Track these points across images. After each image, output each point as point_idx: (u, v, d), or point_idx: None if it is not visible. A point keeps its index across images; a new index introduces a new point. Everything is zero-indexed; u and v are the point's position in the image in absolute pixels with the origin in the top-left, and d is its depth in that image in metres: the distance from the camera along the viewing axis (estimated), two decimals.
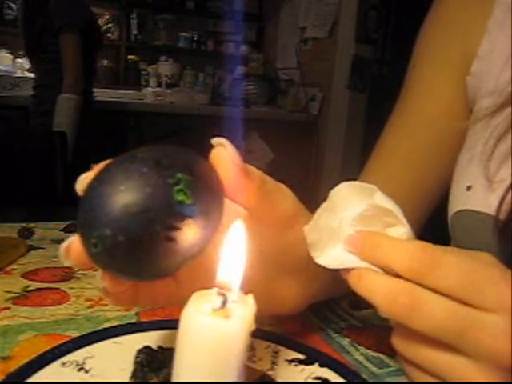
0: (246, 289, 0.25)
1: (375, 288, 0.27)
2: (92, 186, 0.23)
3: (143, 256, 0.22)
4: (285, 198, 0.32)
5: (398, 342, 0.29)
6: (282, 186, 0.31)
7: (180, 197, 0.22)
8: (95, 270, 0.26)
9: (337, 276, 0.33)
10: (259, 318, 0.24)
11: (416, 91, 0.54)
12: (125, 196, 0.22)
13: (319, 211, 0.31)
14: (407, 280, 0.27)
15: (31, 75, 2.55)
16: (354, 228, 0.30)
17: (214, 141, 0.27)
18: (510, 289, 0.26)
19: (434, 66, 0.53)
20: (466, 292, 0.26)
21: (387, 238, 0.29)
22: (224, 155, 0.26)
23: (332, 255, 0.30)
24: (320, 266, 0.30)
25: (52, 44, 1.97)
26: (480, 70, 0.48)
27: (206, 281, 0.27)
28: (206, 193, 0.24)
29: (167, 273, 0.24)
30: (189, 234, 0.23)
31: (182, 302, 0.28)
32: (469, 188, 0.46)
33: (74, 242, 0.25)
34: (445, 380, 0.27)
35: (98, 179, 0.23)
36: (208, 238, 0.24)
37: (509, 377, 0.26)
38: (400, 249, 0.27)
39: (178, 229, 0.22)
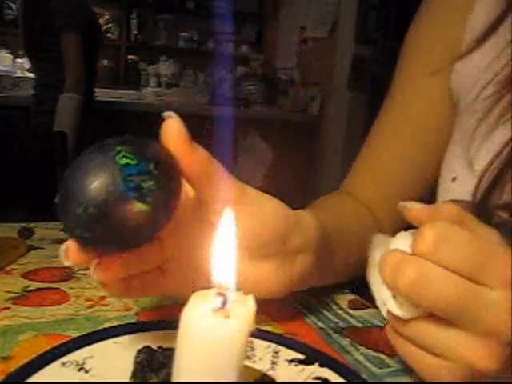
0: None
1: (384, 260, 0.28)
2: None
3: (113, 221, 0.25)
4: (228, 178, 0.32)
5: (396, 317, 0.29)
6: (224, 169, 0.32)
7: (122, 161, 0.25)
8: None
9: (322, 262, 0.38)
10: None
11: (404, 90, 0.56)
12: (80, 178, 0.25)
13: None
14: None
15: (31, 75, 2.55)
16: None
17: (165, 114, 0.29)
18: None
19: (420, 65, 0.55)
20: (472, 269, 0.26)
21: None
22: (172, 128, 0.28)
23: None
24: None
25: (53, 43, 1.97)
26: (463, 66, 0.49)
27: (189, 270, 0.33)
28: (152, 158, 0.26)
29: (138, 238, 0.27)
30: (145, 193, 0.25)
31: (170, 292, 0.35)
32: (454, 179, 0.47)
33: (71, 242, 0.27)
34: (442, 355, 0.27)
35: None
36: (168, 203, 0.27)
37: (509, 351, 0.26)
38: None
39: (133, 189, 0.25)
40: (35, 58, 2.10)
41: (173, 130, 0.28)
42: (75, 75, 1.98)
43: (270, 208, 0.34)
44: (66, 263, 0.28)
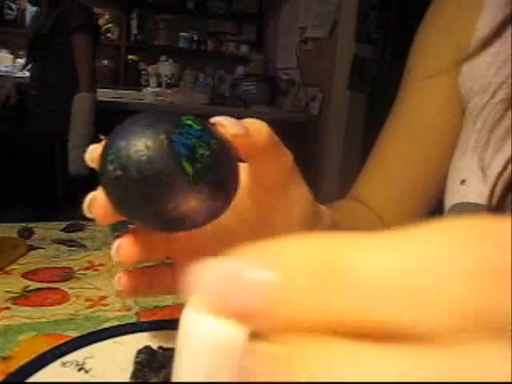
0: None
1: None
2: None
3: (152, 168, 0.22)
4: (285, 152, 0.31)
5: None
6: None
7: (188, 121, 0.23)
8: (95, 270, 0.27)
9: None
10: None
11: (412, 93, 0.56)
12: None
13: None
14: None
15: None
16: None
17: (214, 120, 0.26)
18: None
19: (429, 68, 0.54)
20: None
21: None
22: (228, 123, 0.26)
23: None
24: None
25: (62, 44, 2.02)
26: (471, 68, 0.49)
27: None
28: (217, 136, 0.24)
29: (185, 218, 0.23)
30: (196, 157, 0.22)
31: (176, 292, 0.31)
32: (463, 182, 0.47)
33: (98, 193, 0.25)
34: None
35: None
36: (216, 191, 0.23)
37: None
38: None
39: (185, 146, 0.22)
40: (41, 59, 2.11)
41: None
42: (90, 75, 2.06)
43: (305, 189, 0.34)
44: (89, 215, 0.26)
